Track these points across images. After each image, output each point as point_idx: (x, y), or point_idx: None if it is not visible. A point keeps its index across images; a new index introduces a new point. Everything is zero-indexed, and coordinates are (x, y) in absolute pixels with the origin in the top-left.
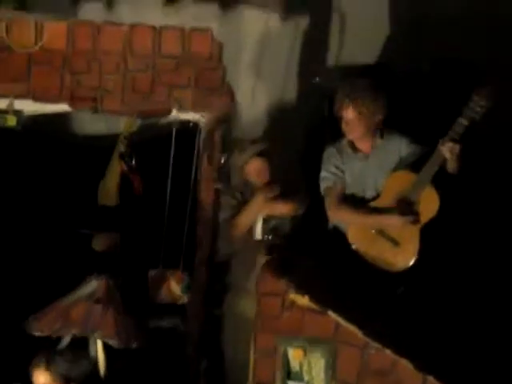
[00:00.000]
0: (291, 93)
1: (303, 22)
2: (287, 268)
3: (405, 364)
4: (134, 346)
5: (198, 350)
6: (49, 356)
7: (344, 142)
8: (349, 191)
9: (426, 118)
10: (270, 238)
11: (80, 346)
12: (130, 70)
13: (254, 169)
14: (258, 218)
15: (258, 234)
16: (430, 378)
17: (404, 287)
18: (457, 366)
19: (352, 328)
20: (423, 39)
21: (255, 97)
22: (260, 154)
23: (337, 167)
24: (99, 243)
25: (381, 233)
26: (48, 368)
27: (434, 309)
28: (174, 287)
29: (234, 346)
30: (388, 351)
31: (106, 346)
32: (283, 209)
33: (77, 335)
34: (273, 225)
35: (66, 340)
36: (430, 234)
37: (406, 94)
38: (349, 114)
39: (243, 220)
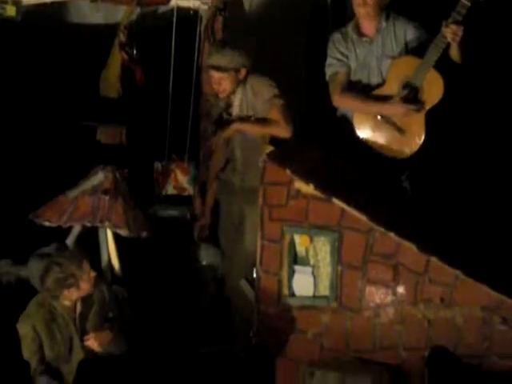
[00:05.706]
0: None
1: None
2: (292, 157)
3: (408, 246)
4: (144, 235)
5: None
6: None
7: (349, 27)
8: (354, 77)
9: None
10: None
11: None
12: None
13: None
14: None
15: None
16: (433, 259)
17: (409, 173)
18: (459, 246)
19: (356, 214)
20: None
21: None
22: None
23: (341, 53)
24: (104, 135)
25: (386, 120)
26: None
27: (438, 193)
28: (180, 179)
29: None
30: (392, 234)
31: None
32: (277, 132)
33: (86, 225)
34: None
35: (75, 231)
36: (435, 120)
37: None
38: None
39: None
